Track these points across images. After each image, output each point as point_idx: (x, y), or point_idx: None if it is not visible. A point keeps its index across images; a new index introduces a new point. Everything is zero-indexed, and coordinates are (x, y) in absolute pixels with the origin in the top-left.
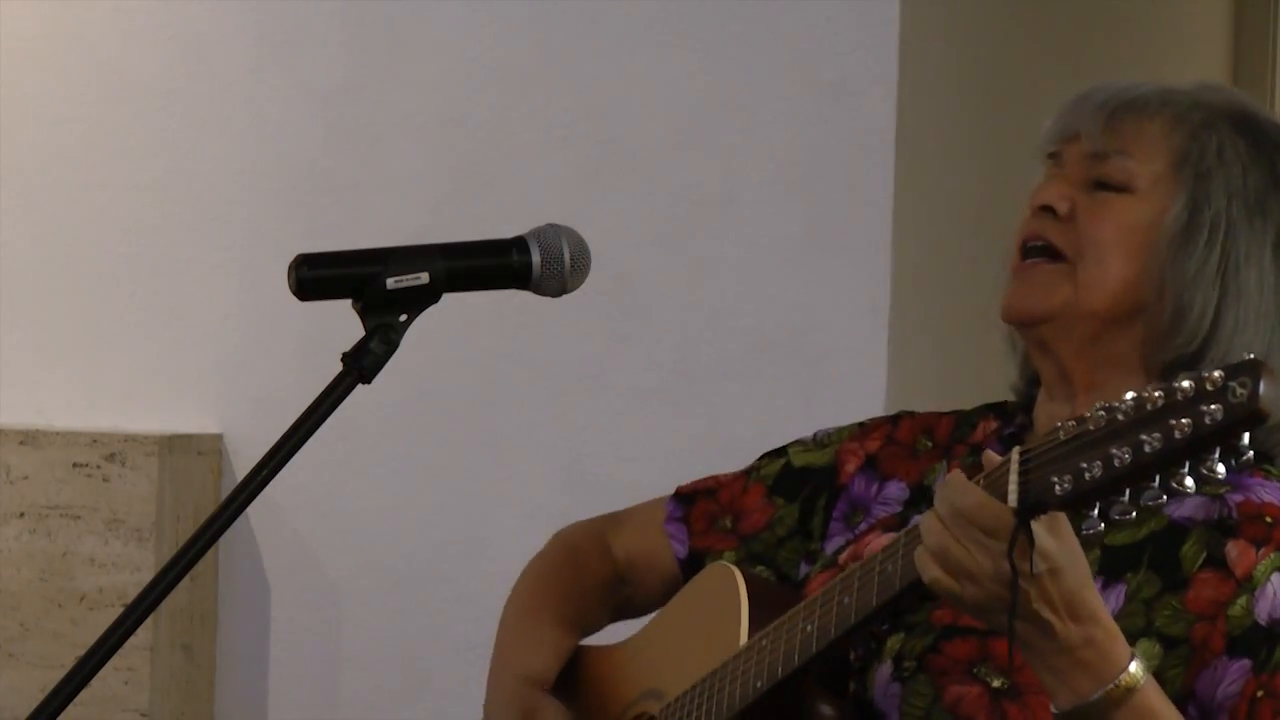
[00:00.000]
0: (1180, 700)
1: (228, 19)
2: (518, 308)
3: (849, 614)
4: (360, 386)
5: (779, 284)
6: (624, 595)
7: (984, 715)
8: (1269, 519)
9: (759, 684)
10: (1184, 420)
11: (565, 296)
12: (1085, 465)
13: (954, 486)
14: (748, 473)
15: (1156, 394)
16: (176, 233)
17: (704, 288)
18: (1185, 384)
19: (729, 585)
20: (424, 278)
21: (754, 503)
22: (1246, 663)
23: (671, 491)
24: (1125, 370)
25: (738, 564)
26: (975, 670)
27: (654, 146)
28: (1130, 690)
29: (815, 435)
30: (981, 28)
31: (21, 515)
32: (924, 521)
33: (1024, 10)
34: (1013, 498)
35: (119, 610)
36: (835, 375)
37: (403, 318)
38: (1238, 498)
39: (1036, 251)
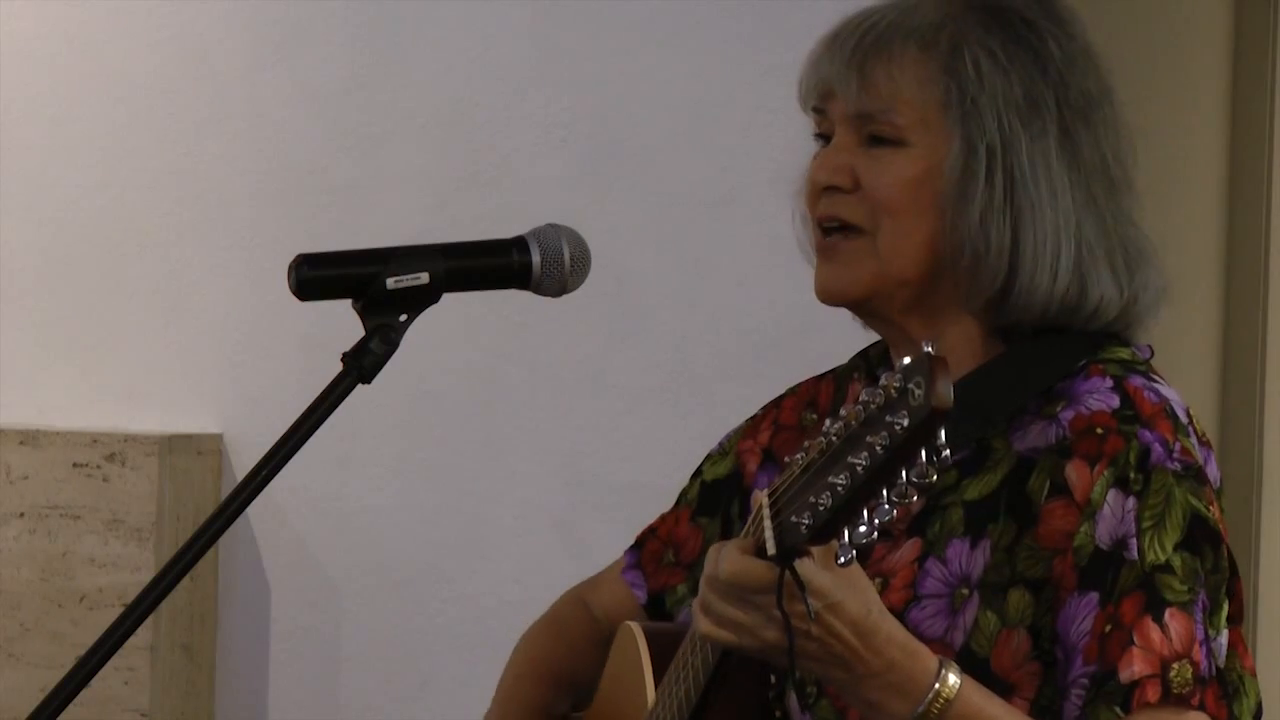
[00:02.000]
0: (1052, 644)
1: (228, 19)
2: (518, 308)
3: (700, 675)
4: (360, 386)
5: (779, 284)
6: None
7: None
8: (1099, 430)
9: None
10: (881, 434)
11: (565, 296)
12: (815, 498)
13: (715, 555)
14: (678, 501)
15: (856, 408)
16: (177, 233)
17: (704, 288)
18: (876, 394)
19: (632, 647)
20: (424, 278)
21: (685, 530)
22: (1094, 595)
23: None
24: (954, 320)
25: (691, 593)
26: None
27: (654, 146)
28: (949, 700)
29: (720, 442)
30: None
31: (21, 515)
32: (701, 579)
33: None
34: (771, 545)
35: (119, 610)
36: None
37: (403, 318)
38: (1069, 414)
39: (835, 229)
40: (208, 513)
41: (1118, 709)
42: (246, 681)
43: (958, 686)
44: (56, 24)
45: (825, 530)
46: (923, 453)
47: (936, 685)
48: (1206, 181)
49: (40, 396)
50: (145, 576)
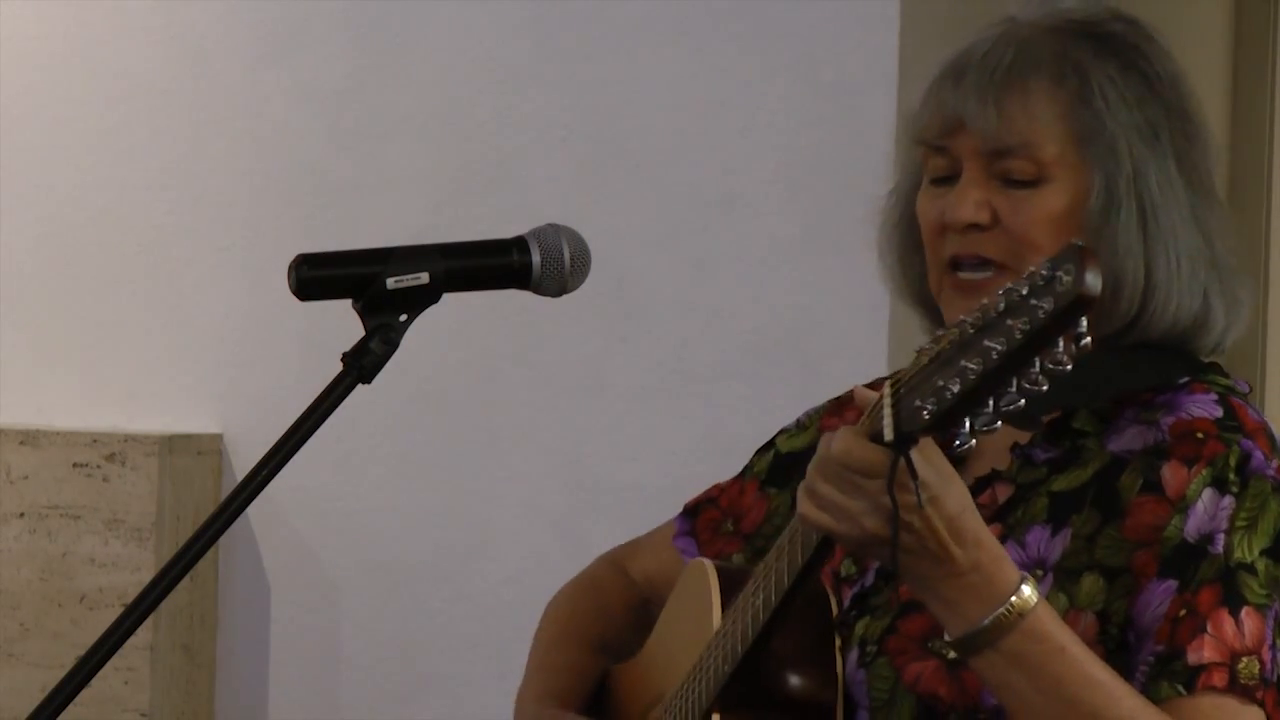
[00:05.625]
0: (1123, 628)
1: (228, 19)
2: (518, 308)
3: (783, 578)
4: (360, 386)
5: (779, 284)
6: (652, 616)
7: (944, 688)
8: (1200, 434)
9: (726, 667)
10: (1022, 319)
11: (565, 296)
12: (943, 383)
13: (827, 439)
14: (743, 473)
15: (997, 296)
16: (177, 233)
17: (704, 288)
18: (1020, 282)
19: (702, 578)
20: (424, 278)
21: (750, 500)
22: (1173, 583)
23: (679, 506)
24: None
25: (746, 563)
26: (930, 644)
27: (654, 146)
28: (1022, 614)
29: (798, 419)
30: (982, 28)
31: (21, 515)
32: (809, 464)
33: None
34: (888, 431)
35: (119, 610)
36: (835, 375)
37: (403, 318)
38: (1169, 419)
39: (973, 264)
40: (208, 513)
41: (1180, 687)
42: (246, 681)
43: (1034, 601)
44: (56, 24)
45: (948, 416)
46: (1061, 342)
47: (1013, 597)
48: None
49: (40, 396)
50: (145, 576)
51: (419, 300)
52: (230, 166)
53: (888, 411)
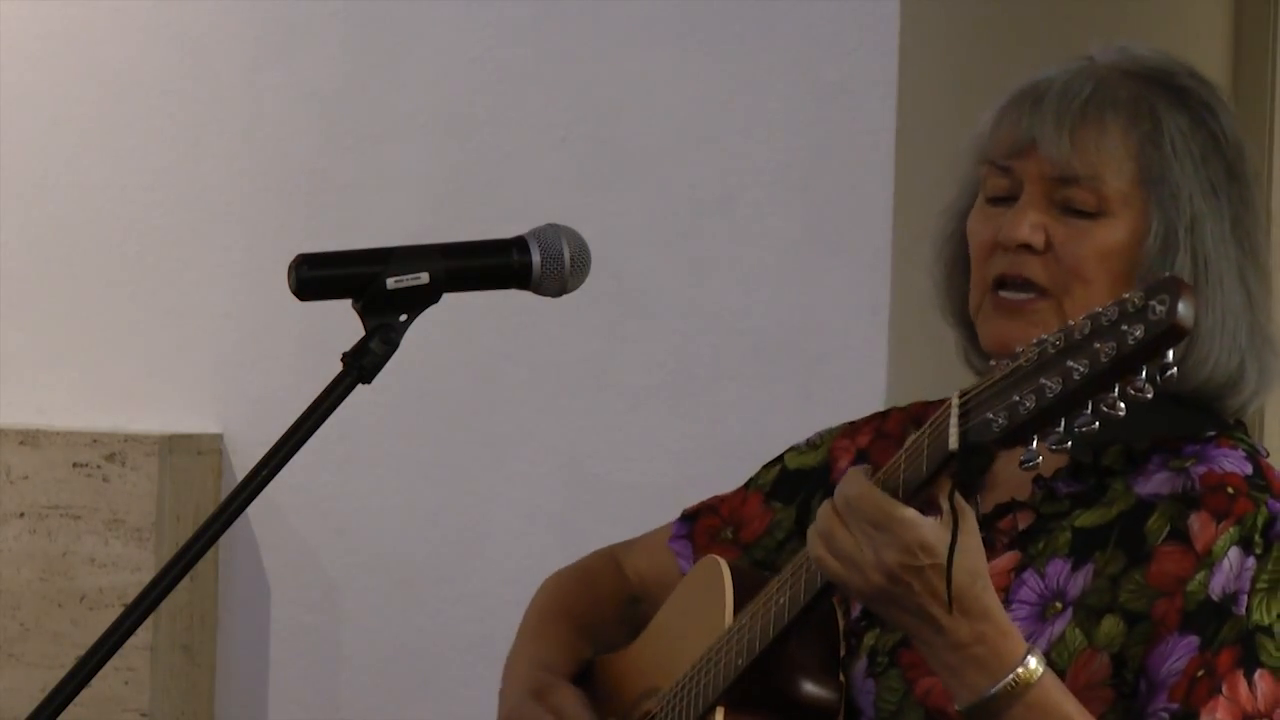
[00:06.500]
0: (1136, 674)
1: (228, 19)
2: (518, 308)
3: (815, 580)
4: (360, 386)
5: (779, 284)
6: (640, 614)
7: (953, 706)
8: (1230, 489)
9: (740, 662)
10: (1109, 343)
11: (565, 296)
12: (1018, 398)
13: (849, 477)
14: (747, 485)
15: (1083, 320)
16: (176, 233)
17: (704, 288)
18: (1109, 309)
19: (714, 574)
20: (424, 278)
21: (753, 511)
22: (1195, 640)
23: (678, 507)
24: None
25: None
26: None
27: (654, 146)
28: (1027, 686)
29: (809, 439)
30: (981, 28)
31: (21, 515)
32: (823, 504)
33: (1024, 11)
34: (953, 440)
35: (119, 610)
36: (835, 375)
37: (403, 318)
38: (1201, 469)
39: (1017, 285)
40: (208, 513)
41: None
42: (246, 681)
43: (1039, 673)
44: (56, 23)
45: (1019, 431)
46: (1145, 370)
47: (1019, 669)
48: None
49: (40, 396)
50: (145, 576)
51: (419, 300)
52: (229, 166)
53: (954, 421)
